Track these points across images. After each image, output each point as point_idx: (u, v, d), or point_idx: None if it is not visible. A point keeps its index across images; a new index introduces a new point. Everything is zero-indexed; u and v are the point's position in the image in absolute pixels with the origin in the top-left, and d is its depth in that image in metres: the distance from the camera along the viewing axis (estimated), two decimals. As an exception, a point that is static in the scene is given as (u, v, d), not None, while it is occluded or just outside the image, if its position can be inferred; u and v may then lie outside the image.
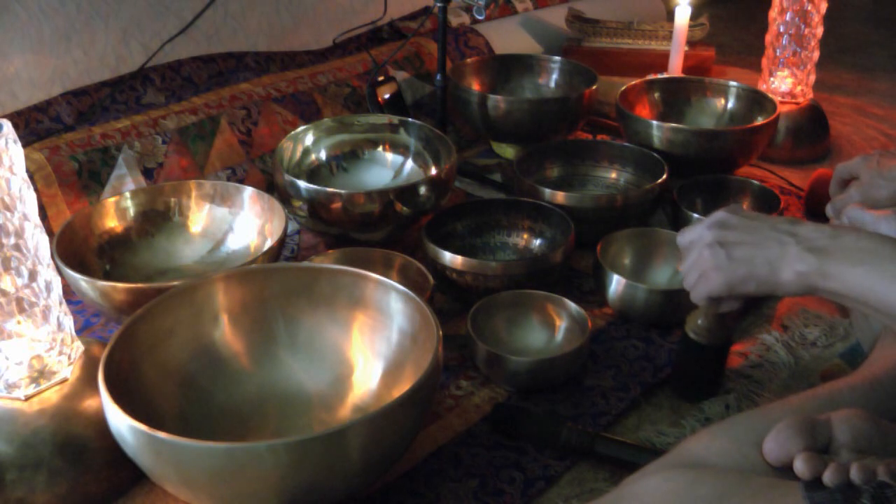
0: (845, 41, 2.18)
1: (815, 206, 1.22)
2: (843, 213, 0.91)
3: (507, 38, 1.70)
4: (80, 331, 0.98)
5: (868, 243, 0.65)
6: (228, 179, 1.21)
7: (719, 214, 0.76)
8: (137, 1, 1.28)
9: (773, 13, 1.43)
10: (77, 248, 0.96)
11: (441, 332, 0.74)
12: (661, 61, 1.60)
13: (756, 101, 1.35)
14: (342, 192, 1.02)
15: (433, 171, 1.17)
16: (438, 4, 1.26)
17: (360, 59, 1.48)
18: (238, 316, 0.84)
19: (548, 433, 0.81)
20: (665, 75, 1.50)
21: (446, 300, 1.04)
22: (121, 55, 1.27)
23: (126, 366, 0.73)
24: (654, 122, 1.24)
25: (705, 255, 0.74)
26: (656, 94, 1.42)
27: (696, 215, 1.10)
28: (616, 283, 0.98)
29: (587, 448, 0.79)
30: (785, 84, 1.45)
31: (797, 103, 1.45)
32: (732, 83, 1.39)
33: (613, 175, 1.27)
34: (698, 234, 0.76)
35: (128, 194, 1.04)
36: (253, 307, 0.84)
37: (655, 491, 0.58)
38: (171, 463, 0.63)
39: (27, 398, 0.74)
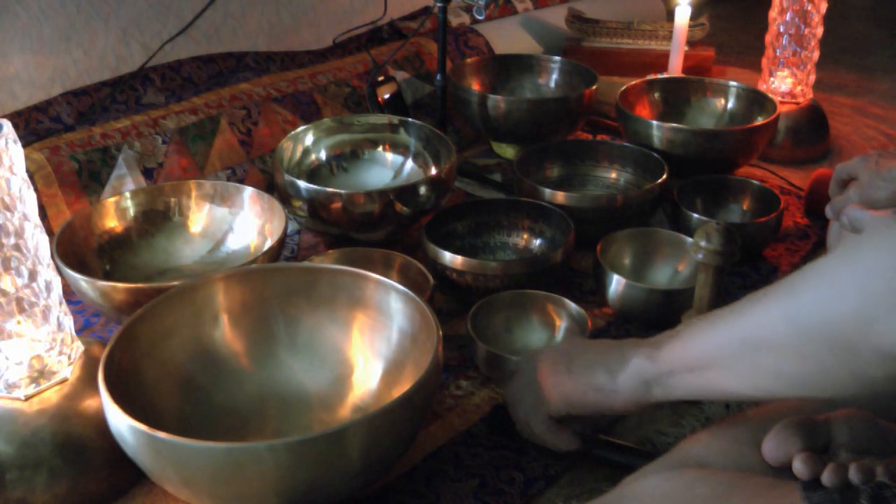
0: (845, 41, 2.17)
1: (814, 206, 1.22)
2: (842, 213, 0.91)
3: (507, 38, 1.69)
4: (80, 331, 0.98)
5: (705, 319, 0.63)
6: (228, 179, 1.21)
7: (558, 346, 0.78)
8: (137, 1, 1.28)
9: (773, 13, 1.43)
10: (77, 248, 0.96)
11: (441, 332, 0.74)
12: (661, 61, 1.60)
13: (756, 101, 1.35)
14: (342, 192, 1.02)
15: (433, 171, 1.17)
16: (438, 4, 1.26)
17: (360, 59, 1.47)
18: (238, 316, 0.84)
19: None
20: (665, 75, 1.50)
21: (446, 300, 1.04)
22: (121, 55, 1.27)
23: (126, 366, 0.73)
24: (654, 122, 1.24)
25: (544, 373, 0.73)
26: (656, 94, 1.41)
27: (695, 215, 1.10)
28: (616, 283, 0.98)
29: (586, 449, 0.79)
30: (785, 84, 1.45)
31: (797, 103, 1.45)
32: (732, 83, 1.39)
33: (613, 175, 1.27)
34: (535, 357, 0.76)
35: (128, 194, 1.04)
36: (253, 307, 0.84)
37: (655, 491, 0.58)
38: (171, 463, 0.63)
39: (27, 398, 0.74)
